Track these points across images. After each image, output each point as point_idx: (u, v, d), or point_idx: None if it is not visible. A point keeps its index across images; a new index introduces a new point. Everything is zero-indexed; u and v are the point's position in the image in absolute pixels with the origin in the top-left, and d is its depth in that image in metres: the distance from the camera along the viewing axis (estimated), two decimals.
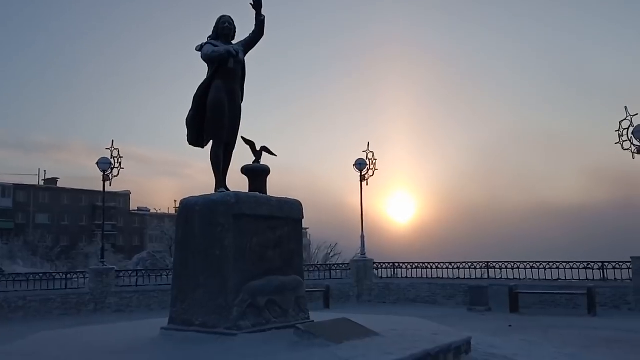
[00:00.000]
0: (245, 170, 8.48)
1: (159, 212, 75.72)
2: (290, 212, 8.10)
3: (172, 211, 72.11)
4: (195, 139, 8.11)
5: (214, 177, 7.95)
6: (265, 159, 8.70)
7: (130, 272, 21.55)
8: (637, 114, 16.48)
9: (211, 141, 7.98)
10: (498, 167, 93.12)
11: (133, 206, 76.66)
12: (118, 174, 20.14)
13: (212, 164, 7.90)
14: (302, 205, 8.36)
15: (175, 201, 78.24)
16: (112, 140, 20.22)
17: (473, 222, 78.14)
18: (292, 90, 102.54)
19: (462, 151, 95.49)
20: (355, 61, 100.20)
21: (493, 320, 13.32)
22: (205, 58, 7.89)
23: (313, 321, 7.85)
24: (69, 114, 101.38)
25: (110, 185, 20.29)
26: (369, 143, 21.63)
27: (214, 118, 7.77)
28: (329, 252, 46.18)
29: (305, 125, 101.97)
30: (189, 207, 7.66)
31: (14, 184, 66.68)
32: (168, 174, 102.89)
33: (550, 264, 17.04)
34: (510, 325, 12.13)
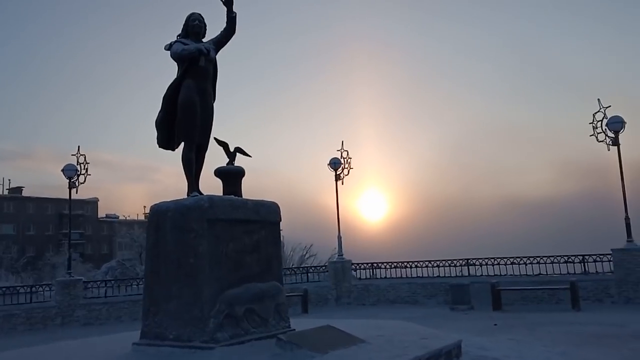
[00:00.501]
0: (219, 172, 8.06)
1: (128, 218, 74.21)
2: (267, 214, 7.70)
3: (142, 217, 71.01)
4: (166, 141, 7.66)
5: (185, 181, 7.50)
6: (239, 160, 8.32)
7: (98, 282, 20.75)
8: (610, 106, 16.62)
9: (182, 143, 7.53)
10: (469, 162, 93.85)
11: (101, 213, 74.99)
12: (85, 180, 19.38)
13: (184, 167, 7.45)
14: (279, 208, 7.99)
15: (144, 207, 77.00)
16: (78, 146, 19.53)
17: (446, 218, 78.58)
18: (258, 90, 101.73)
19: (433, 147, 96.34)
20: (322, 59, 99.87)
21: (477, 319, 13.08)
22: (175, 57, 7.47)
23: (294, 330, 7.49)
24: (35, 122, 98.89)
25: (76, 192, 19.50)
26: (342, 142, 21.41)
27: (185, 119, 7.33)
28: (304, 253, 45.73)
29: (274, 125, 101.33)
30: (160, 213, 7.19)
31: None
32: (137, 179, 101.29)
33: (531, 259, 16.94)
34: (495, 324, 11.89)
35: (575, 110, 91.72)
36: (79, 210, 64.17)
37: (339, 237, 20.65)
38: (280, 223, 8.04)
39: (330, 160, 21.02)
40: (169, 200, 7.29)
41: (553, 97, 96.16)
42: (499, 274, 17.31)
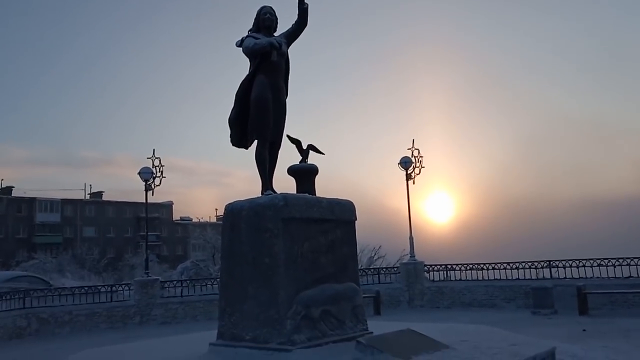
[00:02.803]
0: (292, 170, 7.88)
1: (201, 220, 76.28)
2: (341, 213, 7.45)
3: (214, 219, 72.74)
4: (239, 139, 7.56)
5: (259, 181, 7.38)
6: (312, 158, 8.11)
7: (174, 282, 21.22)
8: None
9: (255, 141, 7.40)
10: (547, 160, 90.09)
11: (176, 216, 77.60)
12: (160, 183, 19.94)
13: (257, 165, 7.32)
14: (354, 206, 7.72)
15: (216, 209, 79.11)
16: (153, 150, 20.10)
17: (522, 219, 75.57)
18: (324, 89, 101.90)
19: (506, 144, 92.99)
20: (388, 62, 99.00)
21: (562, 324, 12.30)
22: (246, 52, 7.35)
23: (372, 333, 7.19)
24: (117, 130, 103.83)
25: (152, 194, 20.11)
26: (413, 140, 20.88)
27: (258, 116, 7.20)
28: (373, 255, 45.20)
29: (338, 127, 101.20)
30: (235, 212, 7.09)
31: (61, 199, 68.30)
32: (209, 183, 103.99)
33: (620, 260, 15.76)
34: (584, 330, 11.12)
35: None
36: (155, 213, 66.41)
37: (411, 238, 20.13)
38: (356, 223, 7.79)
39: (400, 159, 20.55)
40: (243, 199, 7.20)
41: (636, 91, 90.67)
42: (584, 276, 16.19)
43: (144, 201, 20.49)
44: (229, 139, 7.63)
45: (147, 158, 20.03)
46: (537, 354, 6.23)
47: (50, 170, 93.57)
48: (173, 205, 75.83)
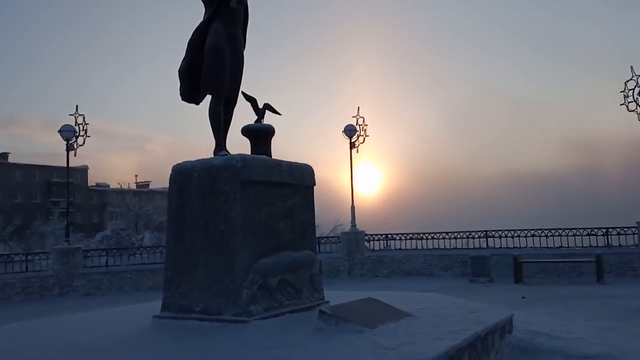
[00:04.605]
0: (247, 130, 7.37)
1: (122, 187, 72.44)
2: (301, 178, 7.05)
3: (134, 187, 69.35)
4: (190, 93, 6.88)
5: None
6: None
7: (99, 251, 20.04)
8: None
9: (209, 96, 6.76)
10: (471, 133, 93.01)
11: (91, 182, 73.05)
12: (84, 142, 18.39)
13: (211, 122, 6.71)
14: (313, 171, 7.32)
15: (136, 176, 75.91)
16: (77, 106, 18.42)
17: (447, 190, 77.92)
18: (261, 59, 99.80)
19: (434, 118, 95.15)
20: (325, 33, 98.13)
21: (500, 292, 12.62)
22: None
23: (329, 302, 6.90)
24: (25, 89, 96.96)
25: (74, 155, 18.45)
26: (359, 108, 20.52)
27: (213, 68, 6.54)
28: None
29: (272, 96, 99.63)
30: (184, 174, 6.48)
31: None
32: (128, 148, 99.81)
33: (553, 231, 16.44)
34: (523, 297, 11.43)
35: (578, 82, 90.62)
36: (69, 178, 62.54)
37: (352, 208, 19.94)
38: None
39: (345, 127, 20.06)
40: (193, 160, 6.59)
41: (554, 69, 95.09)
42: (518, 246, 16.78)
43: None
44: (179, 92, 6.93)
45: (70, 115, 18.33)
46: (499, 320, 6.18)
47: None
48: (88, 170, 70.87)
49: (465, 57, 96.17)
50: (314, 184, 7.30)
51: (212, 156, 6.64)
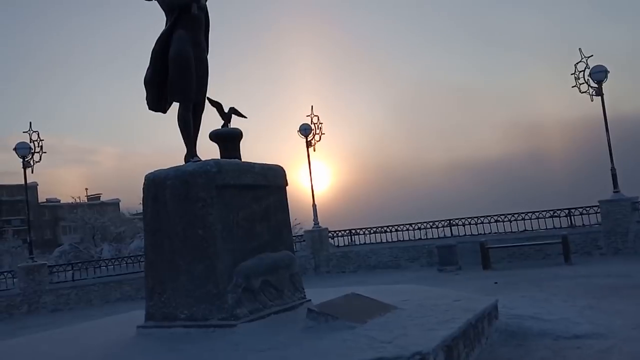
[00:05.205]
0: (215, 135, 7.35)
1: (75, 201, 70.42)
2: (274, 179, 7.14)
3: (85, 200, 67.53)
4: (156, 102, 6.86)
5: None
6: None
7: (64, 266, 19.55)
8: (592, 55, 16.39)
9: (175, 103, 6.75)
10: (416, 124, 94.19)
11: (41, 198, 71.32)
12: (40, 159, 18.02)
13: (181, 129, 6.72)
14: (285, 171, 7.40)
15: (86, 189, 73.86)
16: (30, 122, 18.06)
17: (395, 182, 78.52)
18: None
19: (378, 111, 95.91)
20: (263, 34, 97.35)
21: (471, 279, 12.79)
22: (163, 4, 6.66)
23: (310, 301, 6.98)
24: None
25: (32, 172, 18.08)
26: (312, 107, 20.64)
27: (179, 75, 6.55)
28: None
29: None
30: (158, 183, 6.47)
31: None
32: (74, 162, 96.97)
33: (516, 215, 16.72)
34: (496, 283, 11.64)
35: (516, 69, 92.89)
36: (18, 195, 60.58)
37: (314, 206, 20.07)
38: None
39: (300, 126, 20.24)
40: (165, 168, 6.56)
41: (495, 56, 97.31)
42: (483, 232, 17.13)
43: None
44: (146, 102, 6.88)
45: (24, 132, 18.03)
46: (486, 307, 6.34)
47: None
48: (38, 187, 69.02)
49: (407, 49, 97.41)
50: (287, 184, 7.38)
51: (183, 163, 6.65)
